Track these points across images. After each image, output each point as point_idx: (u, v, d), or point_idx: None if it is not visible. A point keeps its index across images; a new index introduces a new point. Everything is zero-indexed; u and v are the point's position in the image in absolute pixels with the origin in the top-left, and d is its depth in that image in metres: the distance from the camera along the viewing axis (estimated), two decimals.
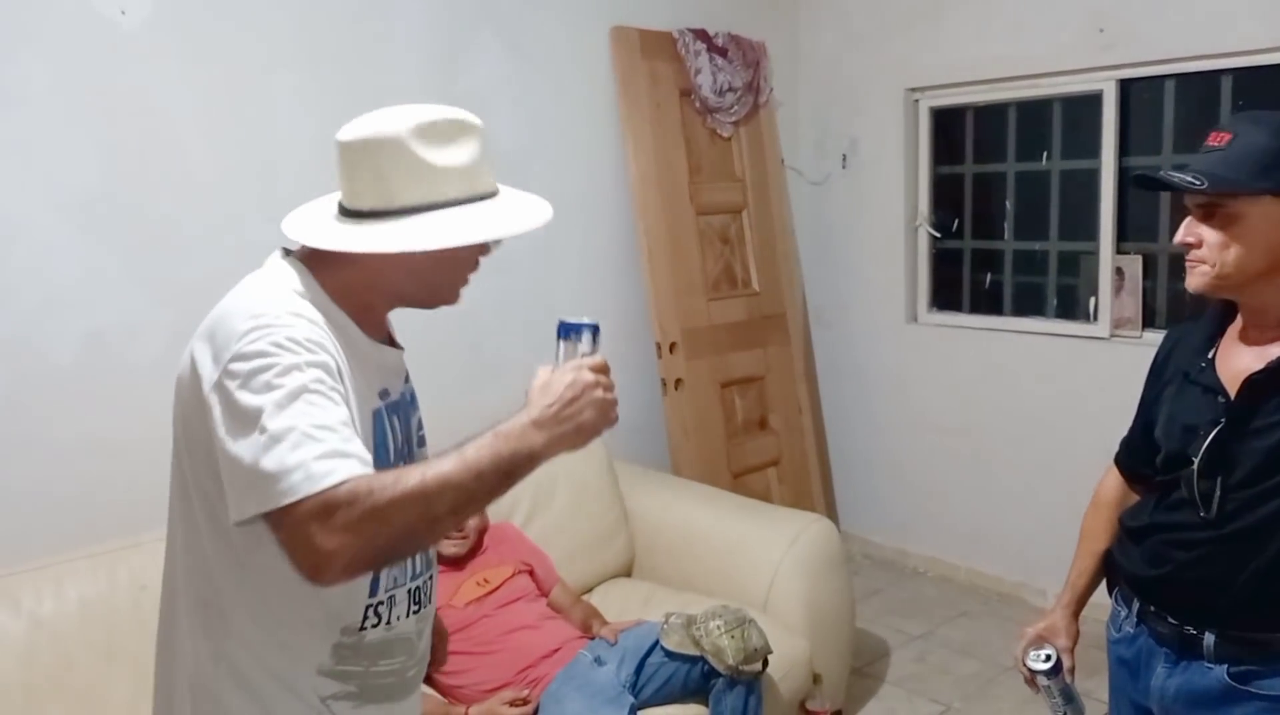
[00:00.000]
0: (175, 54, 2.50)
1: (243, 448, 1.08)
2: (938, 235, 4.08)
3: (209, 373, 1.13)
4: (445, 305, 1.34)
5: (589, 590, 2.93)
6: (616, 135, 3.51)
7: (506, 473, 1.16)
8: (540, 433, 1.19)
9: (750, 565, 2.83)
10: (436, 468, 1.10)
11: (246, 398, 1.09)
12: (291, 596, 1.18)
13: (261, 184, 2.55)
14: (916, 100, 4.01)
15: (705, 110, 3.70)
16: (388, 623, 1.29)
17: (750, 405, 3.85)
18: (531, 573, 2.63)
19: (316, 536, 1.04)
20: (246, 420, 1.09)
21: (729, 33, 3.81)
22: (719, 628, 2.36)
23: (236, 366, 1.11)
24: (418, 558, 1.33)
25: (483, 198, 1.25)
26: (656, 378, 3.54)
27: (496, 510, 2.76)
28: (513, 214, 1.27)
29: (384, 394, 1.29)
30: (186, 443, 1.20)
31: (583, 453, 3.51)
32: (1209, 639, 1.48)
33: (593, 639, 2.46)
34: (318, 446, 1.06)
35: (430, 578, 1.38)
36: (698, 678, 2.37)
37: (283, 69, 2.63)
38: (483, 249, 1.30)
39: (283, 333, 1.12)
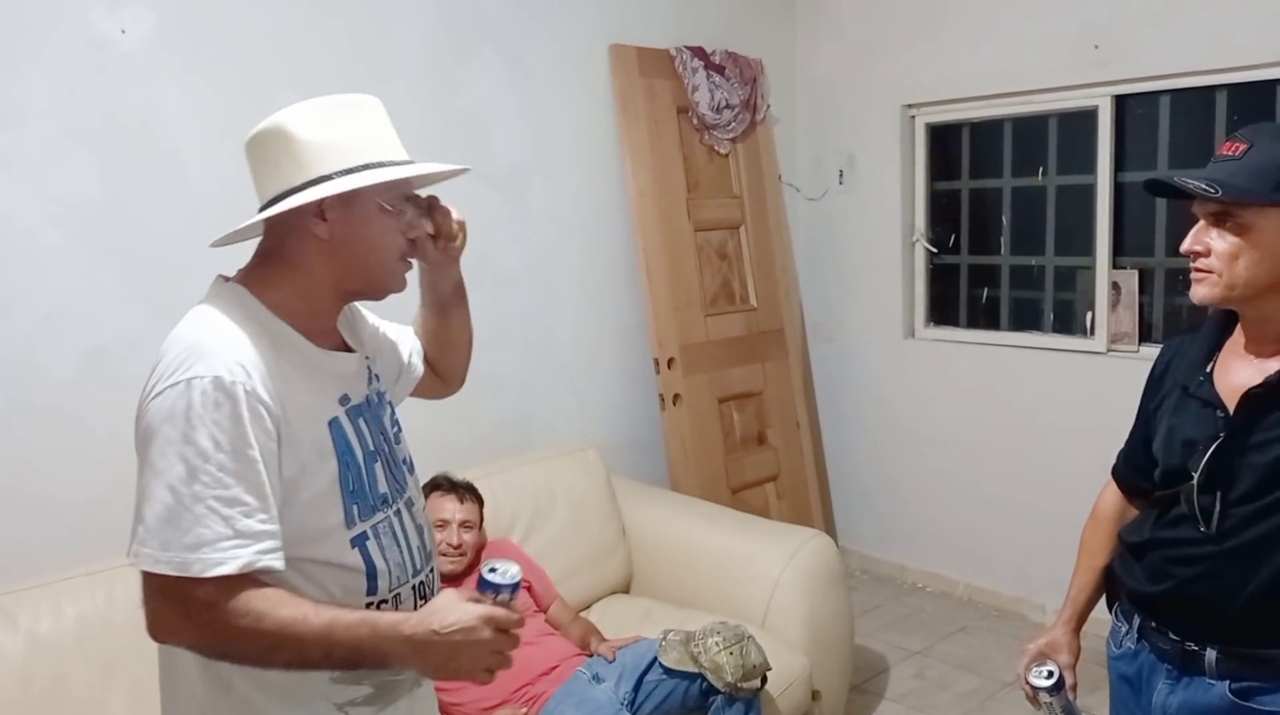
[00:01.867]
0: (176, 72, 2.51)
1: (147, 496, 1.13)
2: (935, 251, 4.09)
3: (144, 401, 1.18)
4: (391, 292, 1.35)
5: (587, 607, 2.93)
6: (615, 152, 3.53)
7: (355, 662, 1.18)
8: (408, 648, 1.17)
9: (749, 581, 2.82)
10: (301, 626, 1.13)
11: (160, 445, 1.13)
12: None
13: None
14: (913, 116, 4.03)
15: (703, 127, 3.72)
16: None
17: (748, 420, 3.85)
18: (529, 589, 2.62)
19: (165, 612, 1.13)
20: (155, 470, 1.13)
21: (726, 50, 3.83)
22: (717, 644, 2.35)
23: (157, 405, 1.15)
24: (417, 552, 1.36)
25: (374, 165, 1.25)
26: (655, 393, 3.54)
27: (494, 526, 2.76)
28: (397, 170, 1.27)
29: (345, 399, 1.31)
30: None
31: (582, 468, 3.51)
32: (1211, 655, 1.47)
33: (591, 656, 2.46)
34: (213, 529, 1.11)
35: (432, 570, 1.40)
36: (696, 695, 2.36)
37: (283, 86, 2.63)
38: (410, 228, 1.32)
39: (208, 375, 1.14)
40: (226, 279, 1.30)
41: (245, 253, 1.35)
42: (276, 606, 1.13)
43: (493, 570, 1.24)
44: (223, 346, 1.18)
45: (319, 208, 1.24)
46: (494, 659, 1.20)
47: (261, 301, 1.26)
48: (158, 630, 1.16)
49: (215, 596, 1.12)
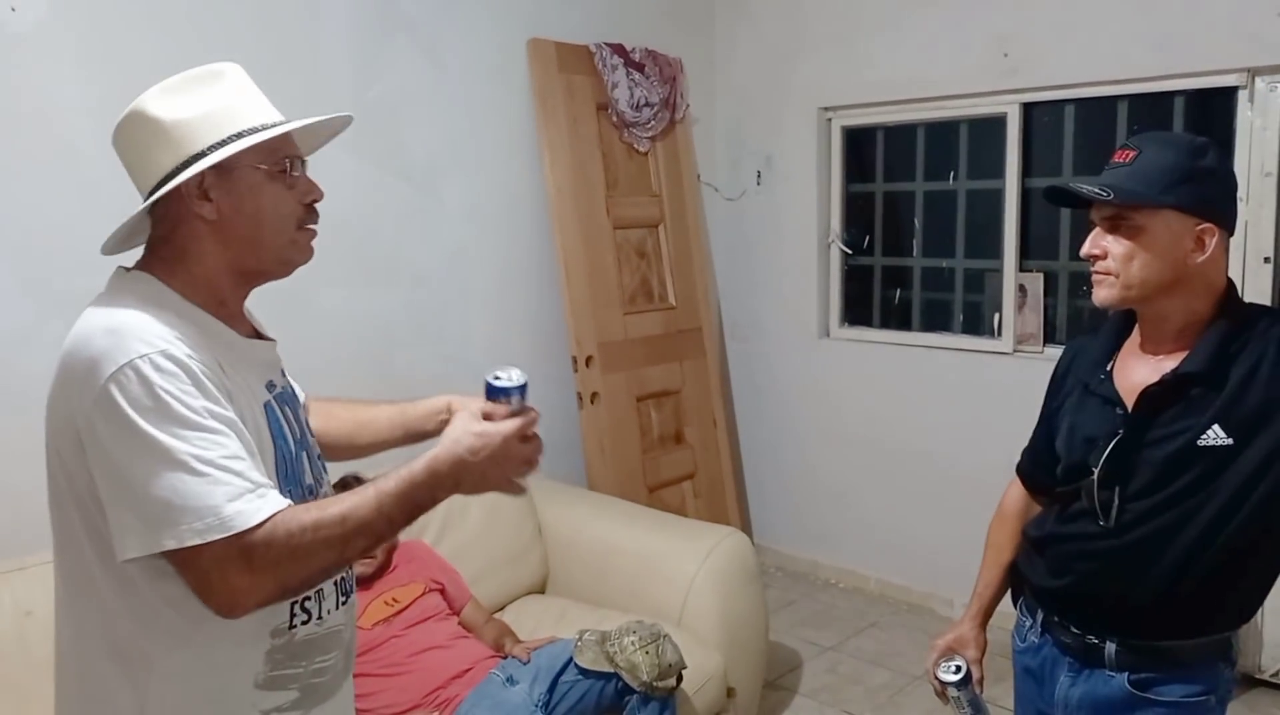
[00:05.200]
0: (70, 53, 2.40)
1: (142, 479, 1.05)
2: (849, 252, 4.15)
3: (82, 403, 1.08)
4: (296, 264, 1.29)
5: (502, 608, 2.89)
6: (533, 148, 3.49)
7: (410, 515, 1.21)
8: (449, 481, 1.21)
9: (665, 580, 2.82)
10: (354, 511, 1.14)
11: (139, 434, 1.06)
12: (209, 616, 1.12)
13: None
14: (829, 119, 4.09)
15: (622, 125, 3.71)
16: (319, 618, 1.26)
17: (666, 419, 3.86)
18: (442, 591, 2.58)
19: (232, 576, 1.07)
20: (152, 456, 1.06)
21: (646, 48, 3.83)
22: (633, 644, 2.34)
23: (109, 401, 1.06)
24: None
25: (247, 133, 1.19)
26: (572, 392, 3.52)
27: (406, 528, 2.70)
28: (272, 130, 1.21)
29: (271, 386, 1.27)
30: (68, 483, 1.14)
31: None
32: (1110, 648, 1.52)
33: (505, 658, 2.42)
34: (236, 483, 1.07)
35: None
36: (612, 695, 2.35)
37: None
38: (306, 193, 1.25)
39: (150, 351, 1.08)
40: (129, 269, 1.23)
41: (134, 253, 1.28)
42: (323, 510, 1.13)
43: (497, 377, 1.28)
44: (152, 326, 1.11)
45: (201, 190, 1.18)
46: (524, 467, 1.26)
47: (173, 288, 1.19)
48: (233, 602, 1.09)
49: (267, 537, 1.08)
